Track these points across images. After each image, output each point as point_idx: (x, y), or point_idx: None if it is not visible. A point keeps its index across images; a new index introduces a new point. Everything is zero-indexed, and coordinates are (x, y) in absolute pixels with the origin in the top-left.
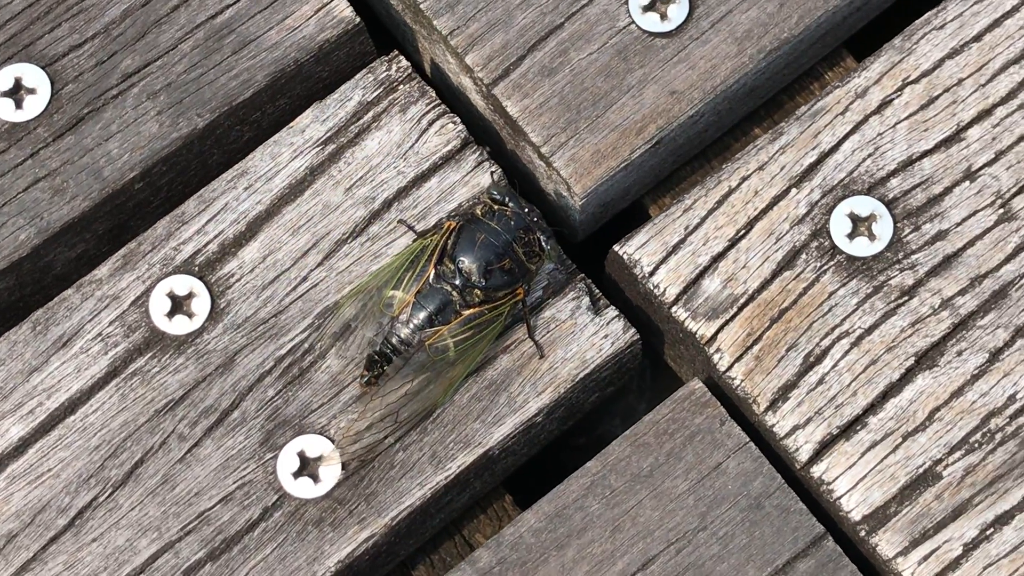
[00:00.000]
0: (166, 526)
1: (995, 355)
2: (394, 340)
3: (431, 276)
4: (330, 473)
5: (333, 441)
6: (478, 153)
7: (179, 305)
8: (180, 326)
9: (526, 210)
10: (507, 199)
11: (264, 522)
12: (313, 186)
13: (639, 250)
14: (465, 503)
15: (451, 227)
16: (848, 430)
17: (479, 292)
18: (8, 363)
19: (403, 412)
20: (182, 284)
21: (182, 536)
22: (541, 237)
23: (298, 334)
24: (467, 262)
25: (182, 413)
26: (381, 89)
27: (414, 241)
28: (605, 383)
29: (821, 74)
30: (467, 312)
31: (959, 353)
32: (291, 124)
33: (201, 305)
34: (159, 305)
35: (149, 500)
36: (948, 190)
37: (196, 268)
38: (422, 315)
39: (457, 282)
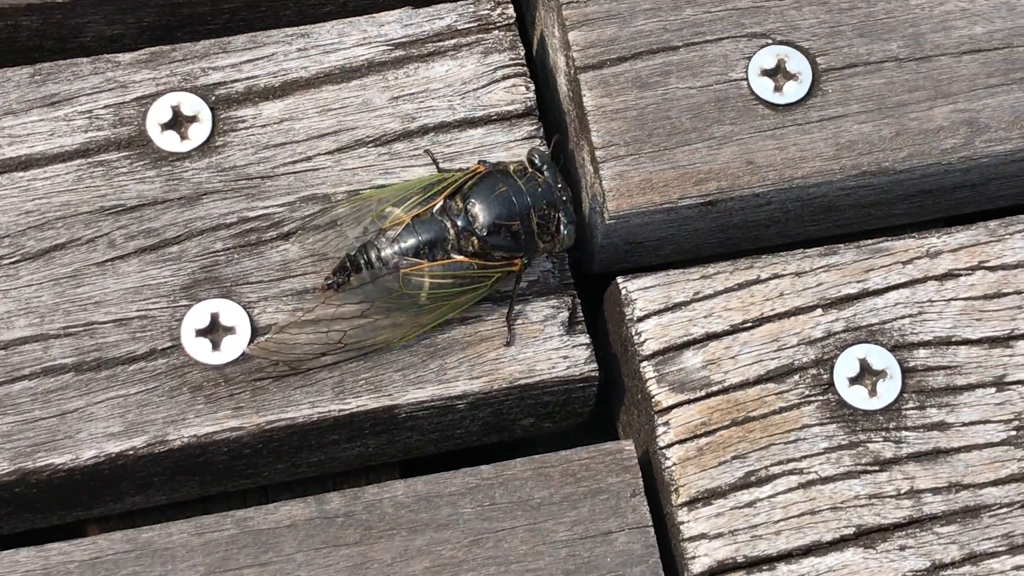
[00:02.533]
0: (50, 318)
1: (936, 568)
2: (372, 253)
3: (436, 207)
4: (232, 347)
5: (252, 319)
6: (535, 127)
7: (178, 122)
8: (169, 142)
9: (559, 186)
10: (545, 168)
11: (145, 362)
12: (363, 80)
13: (640, 292)
14: (352, 460)
15: (477, 170)
16: (754, 566)
17: (476, 242)
18: None
19: (351, 334)
20: (191, 104)
21: (60, 335)
22: (562, 218)
23: (274, 206)
24: (477, 206)
25: (125, 222)
26: (476, 24)
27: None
28: (544, 410)
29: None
30: (456, 257)
31: (902, 548)
32: (374, 15)
33: (199, 132)
34: (159, 113)
35: (49, 287)
36: (971, 387)
37: (213, 97)
38: (411, 240)
39: (459, 222)
